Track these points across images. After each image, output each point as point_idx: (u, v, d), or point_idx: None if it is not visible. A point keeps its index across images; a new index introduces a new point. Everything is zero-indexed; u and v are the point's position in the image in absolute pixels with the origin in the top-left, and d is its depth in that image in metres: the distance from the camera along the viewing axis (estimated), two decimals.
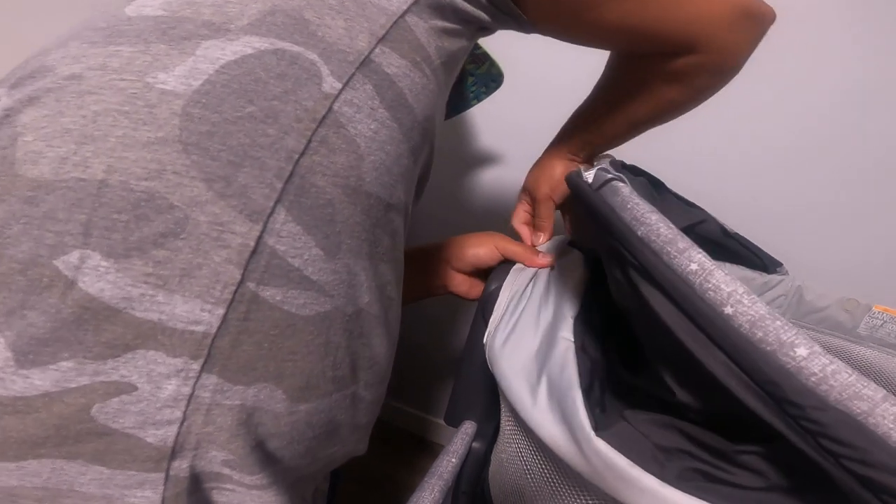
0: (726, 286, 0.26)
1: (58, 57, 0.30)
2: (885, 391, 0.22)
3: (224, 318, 0.29)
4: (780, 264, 0.70)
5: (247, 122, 0.29)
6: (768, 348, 0.23)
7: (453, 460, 0.44)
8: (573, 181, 0.38)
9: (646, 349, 0.34)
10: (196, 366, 0.29)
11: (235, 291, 0.29)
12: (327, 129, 0.31)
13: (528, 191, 0.60)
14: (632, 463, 0.26)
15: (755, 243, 0.69)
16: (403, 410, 1.16)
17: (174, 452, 0.29)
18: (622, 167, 0.52)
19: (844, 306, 0.68)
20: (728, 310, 0.25)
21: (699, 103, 0.49)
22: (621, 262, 0.31)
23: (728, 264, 0.70)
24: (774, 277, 0.70)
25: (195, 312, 0.28)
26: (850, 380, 0.22)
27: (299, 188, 0.31)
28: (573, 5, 0.41)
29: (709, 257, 0.27)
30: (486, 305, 0.44)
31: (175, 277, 0.28)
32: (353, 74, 0.33)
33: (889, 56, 0.67)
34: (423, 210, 0.85)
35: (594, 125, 0.53)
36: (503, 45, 0.60)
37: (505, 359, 0.36)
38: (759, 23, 0.43)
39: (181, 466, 0.30)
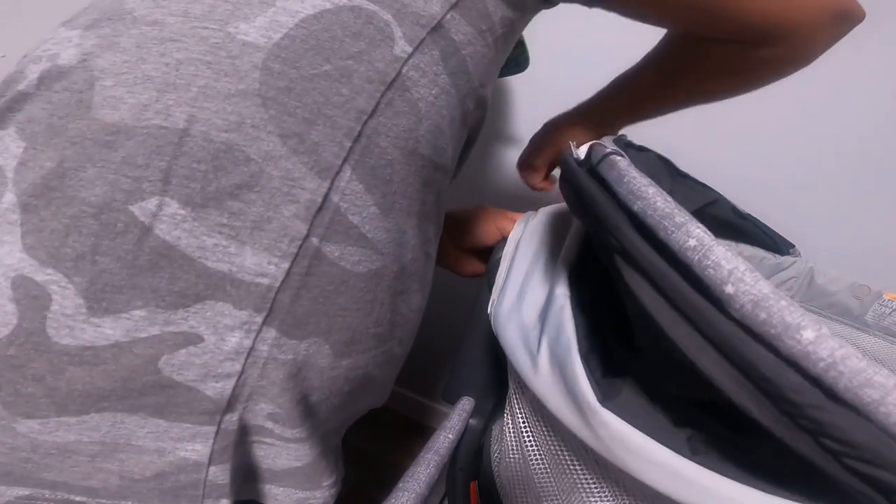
0: (727, 263, 0.23)
1: (136, 0, 0.30)
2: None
3: (288, 272, 0.29)
4: (793, 246, 0.69)
5: (322, 81, 0.30)
6: (772, 331, 0.22)
7: (450, 436, 0.44)
8: (562, 161, 0.36)
9: (636, 337, 0.33)
10: (259, 319, 0.29)
11: (301, 246, 0.29)
12: (394, 92, 0.32)
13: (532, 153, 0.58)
14: (642, 434, 0.25)
15: (768, 225, 0.67)
16: (399, 393, 1.16)
17: (228, 405, 0.30)
18: (627, 146, 0.50)
19: (855, 292, 0.67)
20: (729, 288, 0.23)
21: (752, 90, 0.46)
22: (609, 250, 0.30)
23: (740, 244, 0.69)
24: (787, 259, 0.69)
25: (262, 265, 0.29)
26: (860, 365, 0.21)
27: (365, 148, 0.31)
28: None
29: (708, 232, 0.25)
30: (490, 274, 0.43)
31: (247, 229, 0.28)
32: (424, 39, 0.33)
33: None
34: None
35: (631, 99, 0.51)
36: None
37: (510, 325, 0.36)
38: (851, 23, 0.41)
39: (231, 419, 0.30)
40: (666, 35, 0.48)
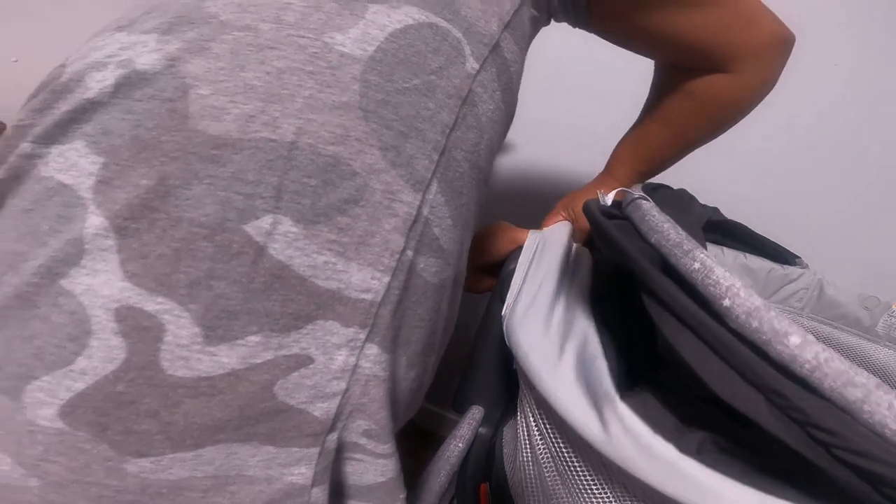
0: (725, 281, 0.27)
1: (219, 4, 0.28)
2: (878, 380, 0.22)
3: (388, 287, 0.29)
4: (798, 257, 0.69)
5: (413, 94, 0.30)
6: (763, 337, 0.24)
7: (460, 445, 0.45)
8: (588, 209, 0.41)
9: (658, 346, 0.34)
10: (363, 335, 0.28)
11: (399, 260, 0.29)
12: (467, 107, 0.32)
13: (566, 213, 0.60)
14: (652, 431, 0.27)
15: (779, 237, 0.68)
16: None
17: (332, 425, 0.29)
18: (652, 190, 0.53)
19: (864, 303, 0.67)
20: (726, 302, 0.26)
21: (737, 120, 0.51)
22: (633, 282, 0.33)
23: (749, 255, 0.70)
24: (795, 270, 0.69)
25: (367, 280, 0.28)
26: (842, 367, 0.22)
27: (447, 161, 0.31)
28: (633, 5, 0.43)
29: (710, 256, 0.28)
30: (503, 285, 0.45)
31: (353, 245, 0.28)
32: (487, 57, 0.34)
33: None
34: None
35: (642, 146, 0.55)
36: None
37: (524, 330, 0.37)
38: (790, 48, 0.45)
39: (332, 439, 0.29)
40: (653, 85, 0.54)
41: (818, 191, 0.75)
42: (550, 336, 0.36)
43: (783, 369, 0.23)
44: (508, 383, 0.44)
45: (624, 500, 0.29)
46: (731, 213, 0.65)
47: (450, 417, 1.12)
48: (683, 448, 0.25)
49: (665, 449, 0.25)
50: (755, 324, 0.24)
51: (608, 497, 0.30)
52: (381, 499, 0.33)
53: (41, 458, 0.25)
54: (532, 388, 0.35)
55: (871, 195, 0.73)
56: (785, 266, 0.70)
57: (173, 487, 0.26)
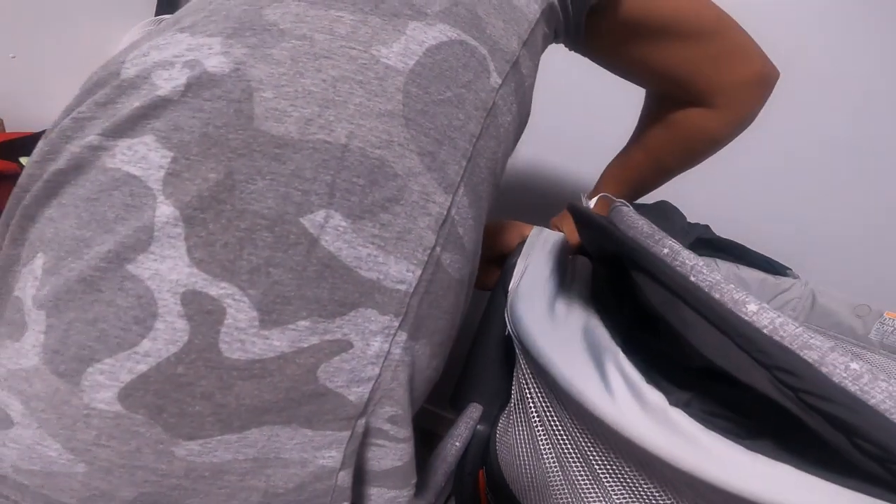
0: (689, 261, 0.30)
1: (278, 13, 0.30)
2: (833, 342, 0.24)
3: (420, 279, 0.31)
4: (789, 268, 0.71)
5: (446, 106, 0.32)
6: (726, 306, 0.26)
7: (457, 444, 0.46)
8: (576, 207, 0.45)
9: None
10: (396, 323, 0.31)
11: (429, 255, 0.32)
12: (491, 118, 0.35)
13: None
14: (645, 380, 0.29)
15: (769, 247, 0.70)
16: None
17: (364, 409, 0.31)
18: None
19: (856, 312, 0.68)
20: (692, 279, 0.28)
21: (715, 151, 0.55)
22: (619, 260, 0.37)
23: (741, 266, 0.71)
24: (787, 280, 0.71)
25: (402, 273, 0.31)
26: (797, 331, 0.24)
27: (473, 167, 0.34)
28: (625, 35, 0.47)
29: (677, 242, 0.31)
30: (506, 275, 0.47)
31: (393, 240, 0.30)
32: (508, 72, 0.37)
33: None
34: None
35: (625, 170, 0.59)
36: None
37: (527, 306, 0.40)
38: (772, 86, 0.49)
39: (361, 423, 0.31)
40: (641, 113, 0.58)
41: (805, 201, 0.77)
42: (554, 312, 0.38)
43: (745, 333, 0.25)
44: (508, 379, 0.45)
45: (622, 469, 0.31)
46: (719, 225, 0.67)
47: (447, 417, 1.11)
48: (673, 401, 0.27)
49: (653, 395, 0.27)
50: (717, 296, 0.27)
51: (602, 459, 0.32)
52: (396, 483, 0.34)
53: (93, 443, 0.26)
54: (531, 361, 0.37)
55: (858, 204, 0.75)
56: (777, 276, 0.71)
57: (215, 471, 0.28)
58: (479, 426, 0.46)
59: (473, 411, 0.47)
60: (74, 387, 0.26)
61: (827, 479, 0.25)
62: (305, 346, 0.28)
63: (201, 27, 0.30)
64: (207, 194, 0.27)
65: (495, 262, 0.59)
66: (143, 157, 0.27)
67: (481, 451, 0.46)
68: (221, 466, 0.28)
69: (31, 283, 0.28)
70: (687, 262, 0.29)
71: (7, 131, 0.70)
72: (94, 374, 0.26)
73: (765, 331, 0.25)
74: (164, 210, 0.27)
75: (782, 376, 0.24)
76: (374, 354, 0.30)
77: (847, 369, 0.24)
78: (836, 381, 0.24)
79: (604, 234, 0.37)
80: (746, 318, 0.25)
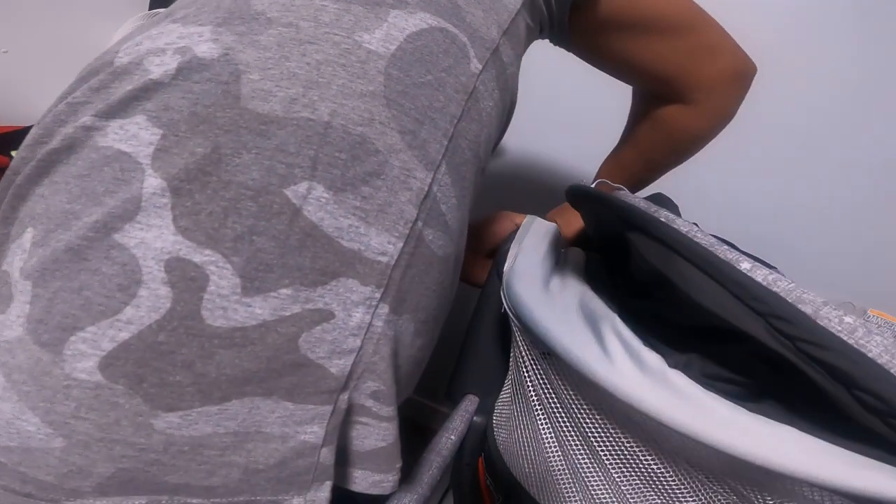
0: (684, 227, 0.30)
1: (265, 2, 0.32)
2: (824, 298, 0.24)
3: (401, 252, 0.32)
4: (774, 267, 0.72)
5: (427, 88, 0.34)
6: (723, 259, 0.27)
7: (452, 437, 0.45)
8: (577, 184, 0.47)
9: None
10: (377, 294, 0.31)
11: (411, 228, 0.33)
12: (472, 102, 0.37)
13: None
14: (641, 342, 0.30)
15: (754, 246, 0.71)
16: None
17: (345, 384, 0.31)
18: None
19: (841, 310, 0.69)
20: (689, 236, 0.29)
21: (700, 147, 0.57)
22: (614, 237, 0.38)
23: None
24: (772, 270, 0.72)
25: (384, 244, 0.32)
26: (791, 286, 0.25)
27: (454, 147, 0.36)
28: (606, 31, 0.49)
29: (670, 213, 0.32)
30: (500, 260, 0.48)
31: (374, 212, 0.31)
32: (488, 59, 0.38)
33: (889, 58, 0.71)
34: None
35: (617, 167, 0.60)
36: None
37: (523, 284, 0.40)
38: (749, 81, 0.51)
39: (343, 398, 0.31)
40: (630, 111, 0.60)
41: (789, 200, 0.79)
42: (549, 288, 0.39)
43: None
44: (504, 366, 0.45)
45: (621, 442, 0.30)
46: (706, 223, 0.68)
47: (442, 411, 1.09)
48: (671, 364, 0.27)
49: (651, 357, 0.27)
50: (712, 258, 0.27)
51: (605, 440, 0.31)
52: (379, 465, 0.34)
53: (72, 415, 0.26)
54: (529, 337, 0.37)
55: (842, 203, 0.77)
56: None
57: (195, 445, 0.28)
58: (476, 417, 0.46)
59: (469, 404, 0.46)
60: (56, 356, 0.26)
61: (829, 441, 0.25)
62: (287, 314, 0.29)
63: (192, 17, 0.32)
64: (194, 167, 0.28)
65: (488, 255, 0.59)
66: (134, 135, 0.28)
67: (479, 441, 0.45)
68: (201, 440, 0.28)
69: (19, 256, 0.28)
70: (682, 227, 0.30)
71: None
72: (77, 343, 0.26)
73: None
74: (152, 182, 0.27)
75: (779, 324, 0.24)
76: (355, 326, 0.31)
77: (841, 322, 0.24)
78: (832, 331, 0.24)
79: (604, 203, 0.38)
80: (741, 275, 0.26)
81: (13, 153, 0.61)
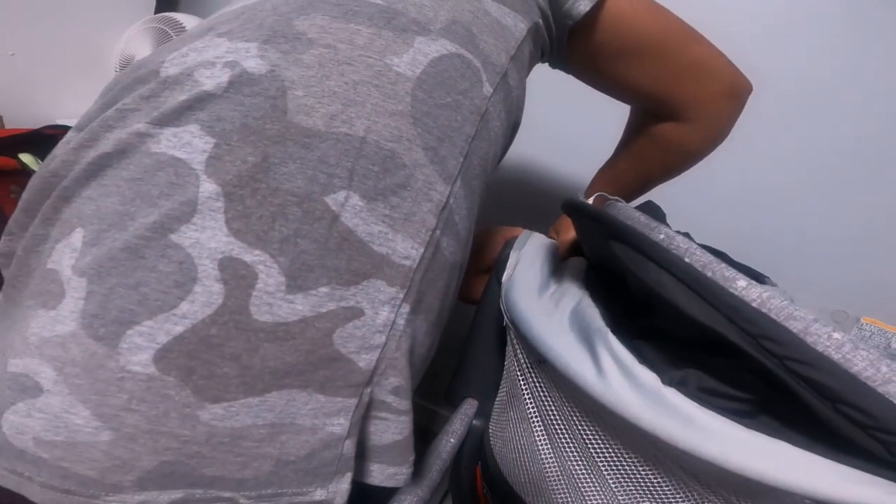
0: (683, 244, 0.31)
1: (305, 24, 0.35)
2: (814, 315, 0.25)
3: (422, 256, 0.35)
4: (767, 277, 0.73)
5: (447, 109, 0.37)
6: (719, 283, 0.27)
7: (452, 440, 0.46)
8: (572, 199, 0.48)
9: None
10: (401, 295, 0.34)
11: (431, 235, 0.36)
12: (483, 122, 0.40)
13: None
14: (636, 360, 0.30)
15: (747, 255, 0.72)
16: None
17: (370, 377, 0.33)
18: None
19: (834, 318, 0.70)
20: (686, 258, 0.30)
21: (694, 163, 0.58)
22: (610, 239, 0.39)
23: None
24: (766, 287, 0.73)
25: (408, 249, 0.34)
26: (783, 304, 0.26)
27: (468, 163, 0.39)
28: (601, 54, 0.51)
29: (671, 229, 0.33)
30: (500, 267, 0.49)
31: (400, 220, 0.34)
32: (498, 83, 0.41)
33: (876, 72, 0.72)
34: None
35: (610, 178, 0.62)
36: None
37: (520, 292, 0.42)
38: (743, 99, 0.53)
39: (367, 393, 0.34)
40: (626, 125, 0.62)
41: (782, 209, 0.80)
42: (545, 296, 0.40)
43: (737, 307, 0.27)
44: (503, 371, 0.46)
45: (618, 452, 0.31)
46: (698, 233, 0.69)
47: (442, 414, 1.10)
48: (666, 381, 0.28)
49: (645, 374, 0.28)
50: (710, 274, 0.28)
51: (602, 448, 0.32)
52: (395, 459, 0.36)
53: (123, 407, 0.28)
54: (527, 347, 0.38)
55: (834, 211, 0.78)
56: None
57: (234, 436, 0.30)
58: (475, 421, 0.46)
59: (468, 407, 0.47)
60: (112, 349, 0.28)
61: (823, 456, 0.26)
62: (324, 311, 0.31)
63: (238, 33, 0.34)
64: (246, 174, 0.31)
65: (485, 271, 0.60)
66: (188, 142, 0.31)
67: (477, 446, 0.46)
68: (241, 432, 0.30)
69: (68, 254, 0.30)
70: (681, 245, 0.31)
71: (6, 128, 0.70)
72: (133, 337, 0.28)
73: (754, 304, 0.26)
74: (207, 187, 0.30)
75: (767, 344, 0.25)
76: (381, 323, 0.33)
77: (829, 338, 0.25)
78: (820, 349, 0.25)
79: (601, 222, 0.39)
80: (737, 293, 0.26)
81: (21, 156, 0.62)
